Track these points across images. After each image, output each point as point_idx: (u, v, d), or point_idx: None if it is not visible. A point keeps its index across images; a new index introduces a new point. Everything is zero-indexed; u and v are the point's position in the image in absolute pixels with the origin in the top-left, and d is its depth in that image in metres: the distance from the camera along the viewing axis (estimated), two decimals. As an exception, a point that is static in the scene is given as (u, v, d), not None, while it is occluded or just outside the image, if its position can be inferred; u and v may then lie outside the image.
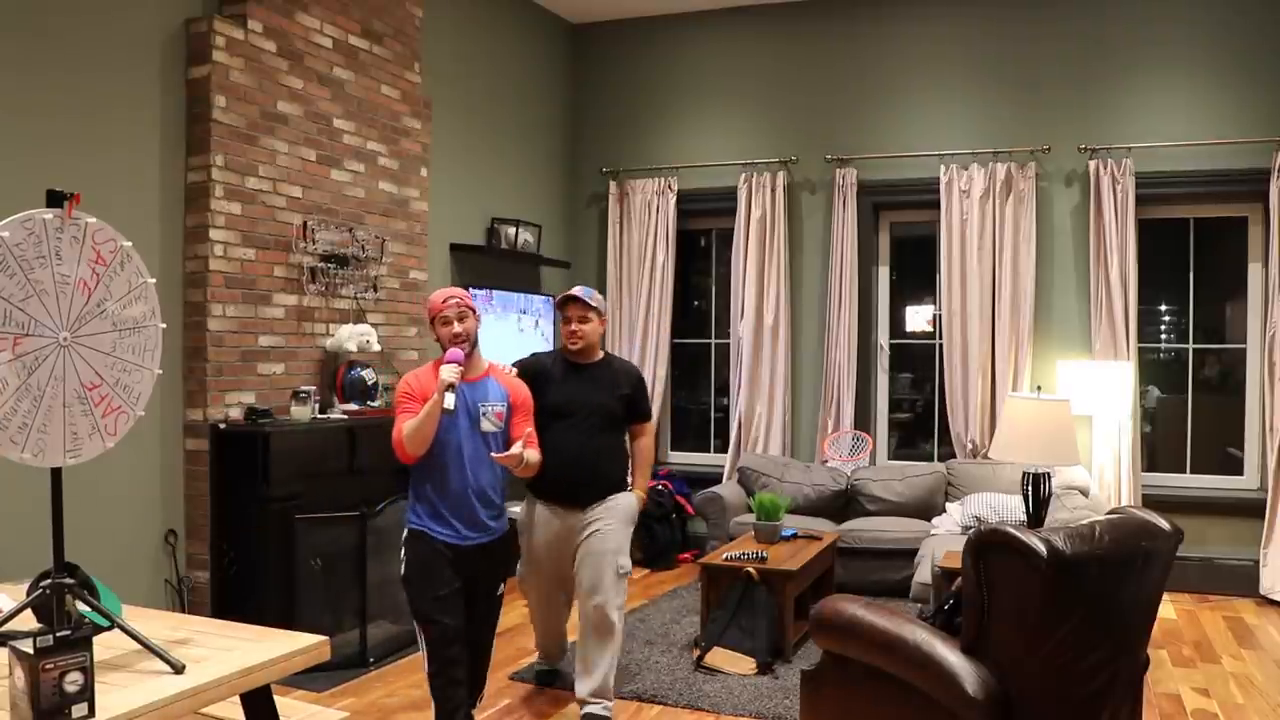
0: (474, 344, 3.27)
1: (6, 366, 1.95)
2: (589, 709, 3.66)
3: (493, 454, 3.23)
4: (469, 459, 3.22)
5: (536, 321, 6.63)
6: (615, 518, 3.75)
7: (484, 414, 3.25)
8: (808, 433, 6.73)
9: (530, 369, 3.78)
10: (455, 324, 3.21)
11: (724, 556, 4.68)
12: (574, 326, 3.79)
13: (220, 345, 4.24)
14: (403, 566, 3.28)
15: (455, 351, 3.17)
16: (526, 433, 3.36)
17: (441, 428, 3.14)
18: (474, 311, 3.28)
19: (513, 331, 6.36)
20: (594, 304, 3.77)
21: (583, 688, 3.67)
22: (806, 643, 4.64)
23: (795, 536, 5.13)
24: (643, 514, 6.41)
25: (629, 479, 3.94)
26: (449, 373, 3.07)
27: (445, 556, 3.21)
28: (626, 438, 3.96)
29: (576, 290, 3.80)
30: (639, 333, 6.97)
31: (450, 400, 3.02)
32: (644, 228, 7.01)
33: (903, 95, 6.53)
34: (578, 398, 3.77)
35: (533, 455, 3.31)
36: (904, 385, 6.95)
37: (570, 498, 3.76)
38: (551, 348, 5.79)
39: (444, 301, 3.24)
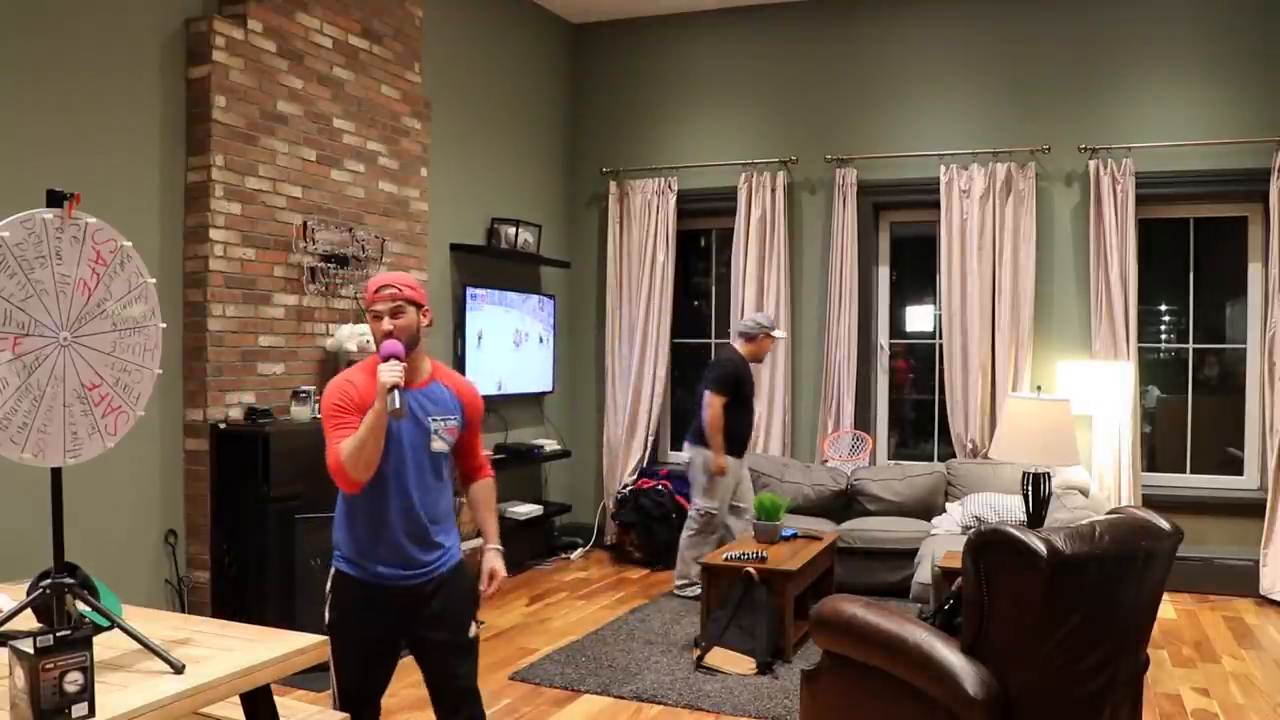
0: (416, 341, 2.60)
1: (6, 366, 1.95)
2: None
3: (485, 594, 2.73)
4: (414, 485, 2.58)
5: (538, 336, 6.63)
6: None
7: (436, 430, 2.61)
8: (808, 433, 6.73)
9: (741, 370, 5.55)
10: (386, 320, 2.53)
11: (724, 556, 4.68)
12: (767, 344, 5.67)
13: (220, 345, 4.24)
14: (328, 612, 2.65)
15: (392, 344, 2.49)
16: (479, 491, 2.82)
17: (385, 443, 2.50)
18: (416, 304, 2.59)
19: (512, 333, 6.36)
20: None
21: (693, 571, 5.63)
22: (806, 643, 4.64)
23: (795, 536, 5.13)
24: (642, 514, 6.55)
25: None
26: (389, 373, 2.42)
27: (380, 604, 2.59)
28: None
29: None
30: (639, 333, 6.97)
31: (398, 399, 2.40)
32: (644, 228, 7.01)
33: (903, 95, 6.53)
34: (752, 389, 5.71)
35: (501, 570, 2.76)
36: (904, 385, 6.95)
37: (743, 451, 5.66)
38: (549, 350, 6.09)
39: (377, 291, 2.57)
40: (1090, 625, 2.47)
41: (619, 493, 6.77)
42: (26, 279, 1.97)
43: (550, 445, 6.66)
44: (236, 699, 2.22)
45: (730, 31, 6.91)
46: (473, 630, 2.71)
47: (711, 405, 5.44)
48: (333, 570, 2.65)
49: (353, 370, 2.62)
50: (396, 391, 2.40)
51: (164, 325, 2.30)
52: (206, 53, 4.18)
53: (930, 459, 6.68)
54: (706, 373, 5.64)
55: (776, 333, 5.71)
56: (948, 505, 5.86)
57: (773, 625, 4.43)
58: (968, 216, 6.26)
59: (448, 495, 2.69)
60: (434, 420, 2.61)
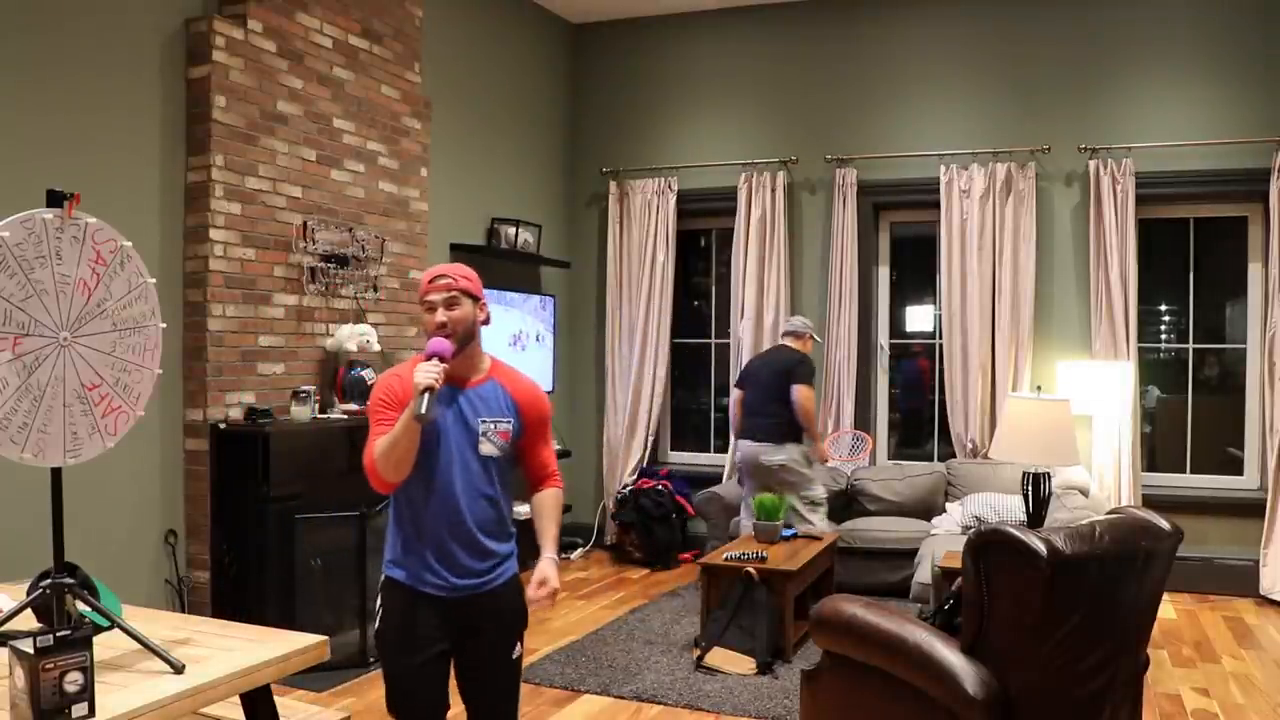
0: (471, 336, 2.45)
1: (6, 366, 1.95)
2: None
3: (530, 598, 2.46)
4: (460, 490, 2.40)
5: (538, 335, 6.64)
6: None
7: (484, 433, 2.43)
8: (808, 433, 6.72)
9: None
10: (440, 311, 2.39)
11: (724, 556, 4.68)
12: (810, 345, 5.70)
13: (220, 345, 4.24)
14: (377, 621, 2.48)
15: (438, 342, 2.35)
16: (546, 495, 2.57)
17: (424, 443, 2.34)
18: (473, 296, 2.46)
19: (512, 333, 6.36)
20: None
21: None
22: (806, 643, 4.64)
23: (795, 536, 5.13)
24: (642, 514, 6.51)
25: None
26: (424, 374, 2.26)
27: (428, 612, 2.40)
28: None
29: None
30: (639, 333, 6.97)
31: (425, 403, 2.22)
32: (644, 228, 7.01)
33: (903, 95, 6.53)
34: None
35: (554, 579, 2.46)
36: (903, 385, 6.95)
37: None
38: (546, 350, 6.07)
39: (431, 281, 2.43)
40: (1090, 625, 2.47)
41: (619, 493, 6.77)
42: (26, 279, 1.98)
43: (550, 445, 6.65)
44: (236, 699, 2.22)
45: (730, 31, 6.91)
46: (516, 650, 2.52)
47: (809, 397, 5.49)
48: (382, 578, 2.49)
49: (404, 364, 2.47)
50: (427, 395, 2.23)
51: (164, 325, 2.30)
52: (206, 53, 4.18)
53: (930, 459, 6.69)
54: (788, 370, 5.49)
55: (816, 335, 5.85)
56: (948, 505, 5.86)
57: (773, 625, 4.43)
58: (968, 216, 6.26)
59: (502, 503, 2.48)
60: (483, 422, 2.43)
